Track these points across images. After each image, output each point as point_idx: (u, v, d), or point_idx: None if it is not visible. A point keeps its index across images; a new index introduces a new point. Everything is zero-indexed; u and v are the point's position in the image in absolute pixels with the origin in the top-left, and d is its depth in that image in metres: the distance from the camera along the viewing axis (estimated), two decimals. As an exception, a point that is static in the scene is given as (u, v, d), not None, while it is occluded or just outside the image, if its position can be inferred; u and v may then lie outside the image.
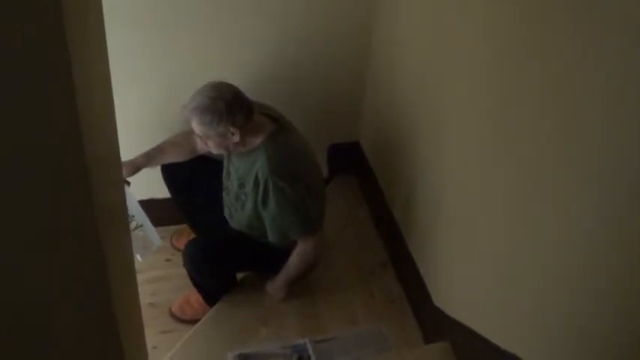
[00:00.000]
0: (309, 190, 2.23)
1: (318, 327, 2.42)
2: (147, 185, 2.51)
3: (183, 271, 2.43)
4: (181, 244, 2.76)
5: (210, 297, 2.52)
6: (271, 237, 2.27)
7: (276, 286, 2.49)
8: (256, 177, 2.17)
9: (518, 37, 1.65)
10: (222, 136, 2.12)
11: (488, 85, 1.82)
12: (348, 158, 3.07)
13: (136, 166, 2.33)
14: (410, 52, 2.40)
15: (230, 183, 2.34)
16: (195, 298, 2.52)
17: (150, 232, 2.36)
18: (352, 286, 2.61)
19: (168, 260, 2.77)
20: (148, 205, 2.51)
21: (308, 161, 2.33)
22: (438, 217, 2.25)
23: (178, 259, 2.50)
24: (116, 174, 1.08)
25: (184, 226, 2.77)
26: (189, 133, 2.30)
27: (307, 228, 2.29)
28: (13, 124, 0.71)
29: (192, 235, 2.73)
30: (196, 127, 2.11)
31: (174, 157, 2.44)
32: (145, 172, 2.36)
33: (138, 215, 2.33)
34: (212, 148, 2.20)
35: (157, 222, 2.41)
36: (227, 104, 2.07)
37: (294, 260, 2.38)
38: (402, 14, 2.45)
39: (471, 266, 2.03)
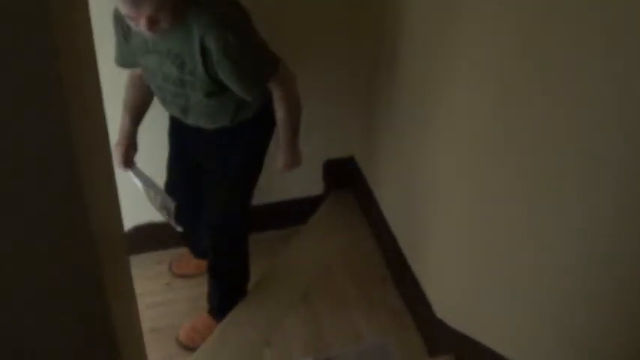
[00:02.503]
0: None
1: (322, 345, 2.41)
2: (144, 209, 2.51)
3: (184, 294, 2.42)
4: (181, 269, 2.76)
5: (224, 302, 2.50)
6: (247, 91, 2.04)
7: (288, 151, 2.26)
8: (202, 40, 1.90)
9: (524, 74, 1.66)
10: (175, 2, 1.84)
11: (487, 100, 1.84)
12: (344, 173, 3.07)
13: (129, 135, 2.25)
14: (408, 68, 2.41)
15: (162, 73, 2.06)
16: (202, 322, 2.50)
17: (165, 196, 2.34)
18: (354, 301, 2.60)
19: (167, 284, 2.76)
20: (146, 229, 2.51)
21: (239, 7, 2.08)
22: (436, 229, 2.25)
23: (178, 283, 2.50)
24: (112, 196, 1.08)
25: (184, 250, 2.76)
26: (131, 74, 2.20)
27: (276, 62, 2.06)
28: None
29: (193, 260, 2.72)
30: (143, 2, 1.76)
31: (140, 96, 2.25)
32: (140, 197, 2.35)
33: (152, 187, 2.33)
34: (165, 21, 1.85)
35: (155, 246, 2.41)
36: None
37: (284, 108, 2.14)
38: (403, 36, 2.46)
39: (471, 277, 2.03)
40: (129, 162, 2.29)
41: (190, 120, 2.18)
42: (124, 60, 2.14)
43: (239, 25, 1.95)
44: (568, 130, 1.49)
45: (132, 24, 1.86)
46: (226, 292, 2.54)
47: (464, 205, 2.02)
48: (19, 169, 0.74)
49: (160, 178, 2.42)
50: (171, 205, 2.31)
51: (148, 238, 2.68)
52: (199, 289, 2.60)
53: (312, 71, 2.68)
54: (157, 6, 1.77)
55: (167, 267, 2.79)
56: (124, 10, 1.79)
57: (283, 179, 2.83)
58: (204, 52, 1.91)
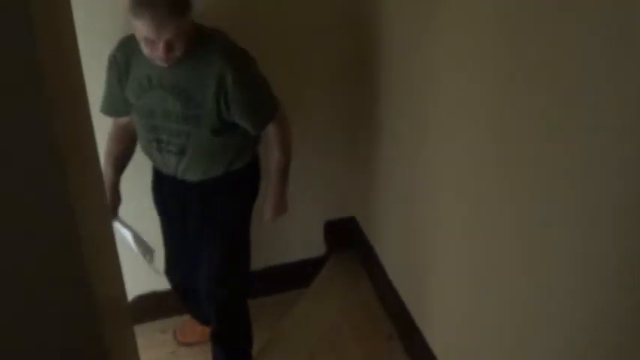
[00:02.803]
0: None
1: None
2: (146, 278, 2.51)
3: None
4: (186, 337, 2.73)
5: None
6: (257, 124, 2.13)
7: (277, 194, 2.32)
8: (220, 73, 1.97)
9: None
10: (191, 26, 1.92)
11: (488, 158, 1.87)
12: (345, 234, 3.08)
13: (112, 186, 2.25)
14: (406, 128, 2.45)
15: (163, 111, 2.07)
16: None
17: (145, 246, 2.35)
18: (361, 361, 2.58)
19: (172, 353, 2.73)
20: (148, 298, 2.50)
21: None
22: (439, 285, 2.25)
23: (183, 351, 2.48)
24: (115, 266, 1.10)
25: (187, 318, 2.75)
26: (116, 124, 2.21)
27: (277, 103, 2.15)
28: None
29: (197, 327, 2.70)
30: (166, 24, 1.83)
31: (124, 147, 2.26)
32: (142, 266, 2.36)
33: (135, 236, 2.33)
34: (179, 49, 1.91)
35: (158, 315, 2.40)
36: None
37: (280, 149, 2.23)
38: (400, 100, 2.51)
39: (475, 330, 2.02)
40: (114, 213, 2.30)
41: (182, 166, 2.15)
42: (113, 107, 2.17)
43: (251, 62, 2.07)
44: (562, 186, 1.52)
45: (147, 51, 1.92)
46: (231, 359, 2.51)
47: (466, 260, 2.03)
48: (18, 241, 0.76)
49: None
50: (152, 251, 2.35)
51: (151, 307, 2.67)
52: (204, 356, 2.58)
53: (312, 133, 2.73)
54: (177, 30, 1.86)
55: (171, 335, 2.77)
56: (146, 32, 1.85)
57: (282, 240, 2.85)
58: (221, 85, 1.98)
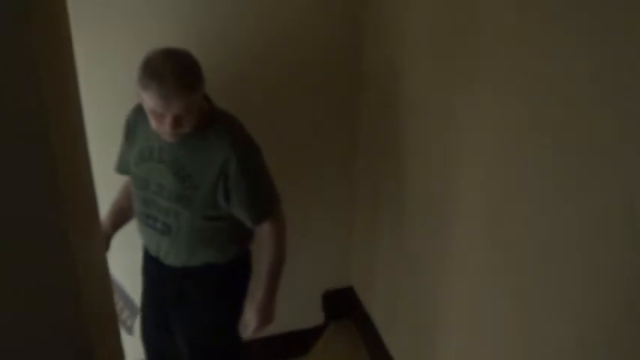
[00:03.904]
0: None
1: None
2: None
3: None
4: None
5: None
6: (255, 216, 2.01)
7: (264, 305, 2.13)
8: (225, 159, 1.90)
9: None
10: (200, 101, 1.85)
11: (480, 232, 1.92)
12: (343, 304, 3.09)
13: (105, 238, 2.08)
14: (404, 200, 2.50)
15: (157, 185, 1.99)
16: None
17: (129, 302, 2.26)
18: None
19: None
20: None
21: None
22: (441, 358, 2.25)
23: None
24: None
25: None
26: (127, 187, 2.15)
27: (278, 199, 2.07)
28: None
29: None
30: (174, 98, 1.75)
31: (129, 203, 2.16)
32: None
33: (120, 290, 2.23)
34: (187, 125, 1.84)
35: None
36: (198, 62, 1.83)
37: (275, 246, 2.08)
38: (397, 168, 2.58)
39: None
40: None
41: (165, 247, 2.06)
42: (123, 165, 2.12)
43: (257, 152, 2.00)
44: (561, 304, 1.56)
45: (154, 124, 1.84)
46: None
47: (467, 333, 2.04)
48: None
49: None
50: (135, 312, 2.26)
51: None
52: None
53: (310, 203, 2.78)
54: (186, 106, 1.78)
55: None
56: (153, 105, 1.77)
57: (280, 309, 2.84)
58: (223, 170, 1.91)
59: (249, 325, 2.19)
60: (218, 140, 1.92)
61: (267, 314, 2.17)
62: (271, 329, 2.87)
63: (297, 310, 2.98)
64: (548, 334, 1.56)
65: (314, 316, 3.04)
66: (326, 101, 2.61)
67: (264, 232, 2.08)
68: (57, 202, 0.78)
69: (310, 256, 2.90)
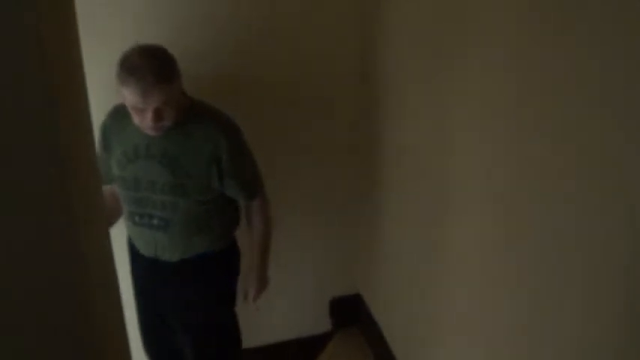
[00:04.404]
0: None
1: None
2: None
3: None
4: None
5: None
6: (247, 192, 2.14)
7: (261, 273, 2.29)
8: (212, 142, 1.99)
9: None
10: (179, 95, 1.93)
11: (497, 234, 1.91)
12: (351, 310, 3.09)
13: None
14: (411, 204, 2.50)
15: (148, 182, 2.04)
16: None
17: None
18: None
19: None
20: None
21: None
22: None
23: None
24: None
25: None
26: (108, 187, 2.17)
27: (261, 178, 2.20)
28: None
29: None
30: (153, 91, 1.83)
31: (113, 208, 2.21)
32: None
33: None
34: (168, 118, 1.92)
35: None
36: (173, 57, 1.91)
37: (263, 221, 2.22)
38: (401, 178, 2.58)
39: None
40: None
41: (163, 242, 2.11)
42: (105, 176, 2.13)
43: (241, 132, 2.09)
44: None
45: (136, 119, 1.91)
46: None
47: (475, 338, 2.03)
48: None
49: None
50: None
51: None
52: None
53: (317, 211, 2.79)
54: (165, 99, 1.85)
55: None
56: (133, 100, 1.85)
57: (288, 316, 2.84)
58: (214, 154, 1.99)
59: (248, 293, 2.33)
60: (204, 127, 2.01)
61: (264, 281, 2.33)
62: (279, 336, 2.90)
63: (305, 316, 2.98)
64: (557, 340, 1.55)
65: (321, 323, 3.04)
66: (328, 105, 2.62)
67: (254, 207, 2.20)
68: (66, 198, 0.78)
69: (317, 262, 2.91)
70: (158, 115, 1.88)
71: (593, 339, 1.42)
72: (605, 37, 1.28)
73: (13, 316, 0.80)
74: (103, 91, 1.99)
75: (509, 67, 1.62)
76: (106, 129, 2.10)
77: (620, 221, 1.29)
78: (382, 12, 2.39)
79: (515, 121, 1.62)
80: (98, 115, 2.02)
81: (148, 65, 1.82)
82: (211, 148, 1.99)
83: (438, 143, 2.09)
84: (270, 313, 2.58)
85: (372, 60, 2.53)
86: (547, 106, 1.48)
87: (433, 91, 2.07)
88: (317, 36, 2.47)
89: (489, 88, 1.72)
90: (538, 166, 1.54)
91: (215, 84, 2.38)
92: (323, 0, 2.44)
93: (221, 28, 2.35)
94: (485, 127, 1.78)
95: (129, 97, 1.85)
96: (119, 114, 2.06)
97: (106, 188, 2.18)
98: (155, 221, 2.08)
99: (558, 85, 1.43)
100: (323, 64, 2.52)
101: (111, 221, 2.23)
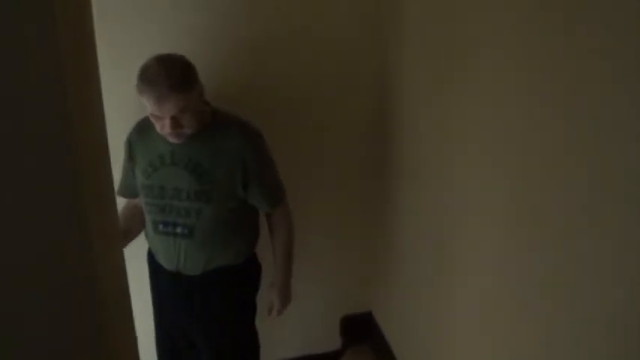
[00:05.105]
0: None
1: None
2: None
3: None
4: None
5: None
6: (271, 199, 2.15)
7: (284, 286, 2.26)
8: (237, 149, 2.02)
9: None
10: (198, 102, 1.96)
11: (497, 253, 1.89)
12: (362, 329, 3.08)
13: None
14: (421, 224, 2.49)
15: (174, 190, 2.06)
16: None
17: None
18: None
19: None
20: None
21: None
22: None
23: None
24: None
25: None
26: (128, 203, 2.20)
27: (283, 186, 2.21)
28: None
29: None
30: (168, 99, 1.85)
31: (133, 223, 2.20)
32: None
33: None
34: (188, 126, 1.94)
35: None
36: (191, 65, 1.94)
37: (286, 230, 2.22)
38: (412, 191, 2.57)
39: None
40: None
41: (186, 252, 2.10)
42: (126, 189, 2.19)
43: (265, 140, 2.12)
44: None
45: (158, 126, 1.95)
46: None
47: (485, 357, 2.01)
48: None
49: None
50: None
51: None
52: None
53: (329, 229, 2.79)
54: (181, 107, 1.88)
55: None
56: (151, 108, 1.89)
57: (299, 334, 2.83)
58: (239, 162, 2.02)
59: (272, 308, 2.30)
60: (228, 133, 2.03)
61: (288, 294, 2.30)
62: (290, 353, 2.88)
63: (316, 334, 2.97)
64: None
65: (332, 341, 3.03)
66: (348, 114, 2.62)
67: (277, 216, 2.21)
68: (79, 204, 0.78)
69: (329, 280, 2.90)
70: (176, 123, 1.91)
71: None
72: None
73: (23, 333, 0.80)
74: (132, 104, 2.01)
75: (520, 67, 1.62)
76: (131, 142, 2.14)
77: (623, 239, 1.28)
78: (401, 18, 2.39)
79: (537, 134, 1.61)
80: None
81: (164, 74, 1.85)
82: (236, 154, 2.02)
83: (451, 161, 2.09)
84: (282, 329, 2.56)
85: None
86: (564, 109, 1.47)
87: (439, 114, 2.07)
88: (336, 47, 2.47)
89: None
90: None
91: (234, 92, 2.39)
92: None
93: (238, 36, 2.36)
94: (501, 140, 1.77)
95: (147, 105, 1.90)
96: (144, 126, 2.10)
97: (126, 207, 2.21)
98: (179, 229, 2.09)
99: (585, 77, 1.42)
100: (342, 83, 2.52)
101: (131, 238, 2.20)
